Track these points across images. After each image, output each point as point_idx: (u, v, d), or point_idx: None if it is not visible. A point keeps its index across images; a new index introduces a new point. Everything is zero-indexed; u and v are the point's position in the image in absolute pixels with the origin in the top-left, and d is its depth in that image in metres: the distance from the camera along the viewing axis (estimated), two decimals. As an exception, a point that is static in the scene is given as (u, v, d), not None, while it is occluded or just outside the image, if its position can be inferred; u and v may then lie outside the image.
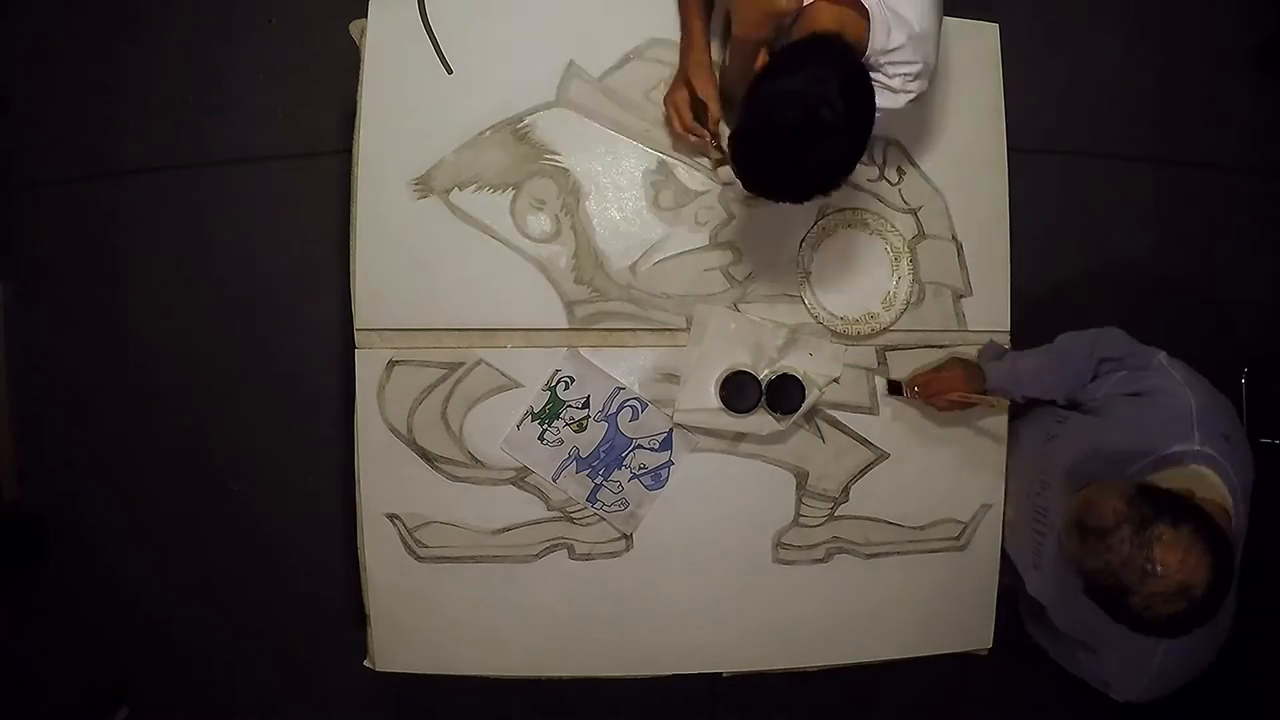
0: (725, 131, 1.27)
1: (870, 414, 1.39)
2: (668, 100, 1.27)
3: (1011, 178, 1.40)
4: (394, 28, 1.31)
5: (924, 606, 1.42)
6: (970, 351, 1.39)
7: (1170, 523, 0.88)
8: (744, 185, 1.04)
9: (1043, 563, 1.24)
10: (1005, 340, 1.41)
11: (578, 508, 1.35)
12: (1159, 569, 0.86)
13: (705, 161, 1.33)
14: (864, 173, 1.38)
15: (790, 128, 0.95)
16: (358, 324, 1.31)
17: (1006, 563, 1.41)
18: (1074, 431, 1.22)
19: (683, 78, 1.25)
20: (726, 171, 1.31)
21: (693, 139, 1.27)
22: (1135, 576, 0.88)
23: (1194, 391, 1.09)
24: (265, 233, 2.00)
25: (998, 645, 1.44)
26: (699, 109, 1.25)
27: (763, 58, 1.02)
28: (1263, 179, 2.16)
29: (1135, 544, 0.88)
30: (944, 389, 1.30)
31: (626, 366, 1.35)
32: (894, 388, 1.37)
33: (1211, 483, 1.01)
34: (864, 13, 1.01)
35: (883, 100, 1.05)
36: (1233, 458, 1.03)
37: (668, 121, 1.28)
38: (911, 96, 1.11)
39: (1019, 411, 1.39)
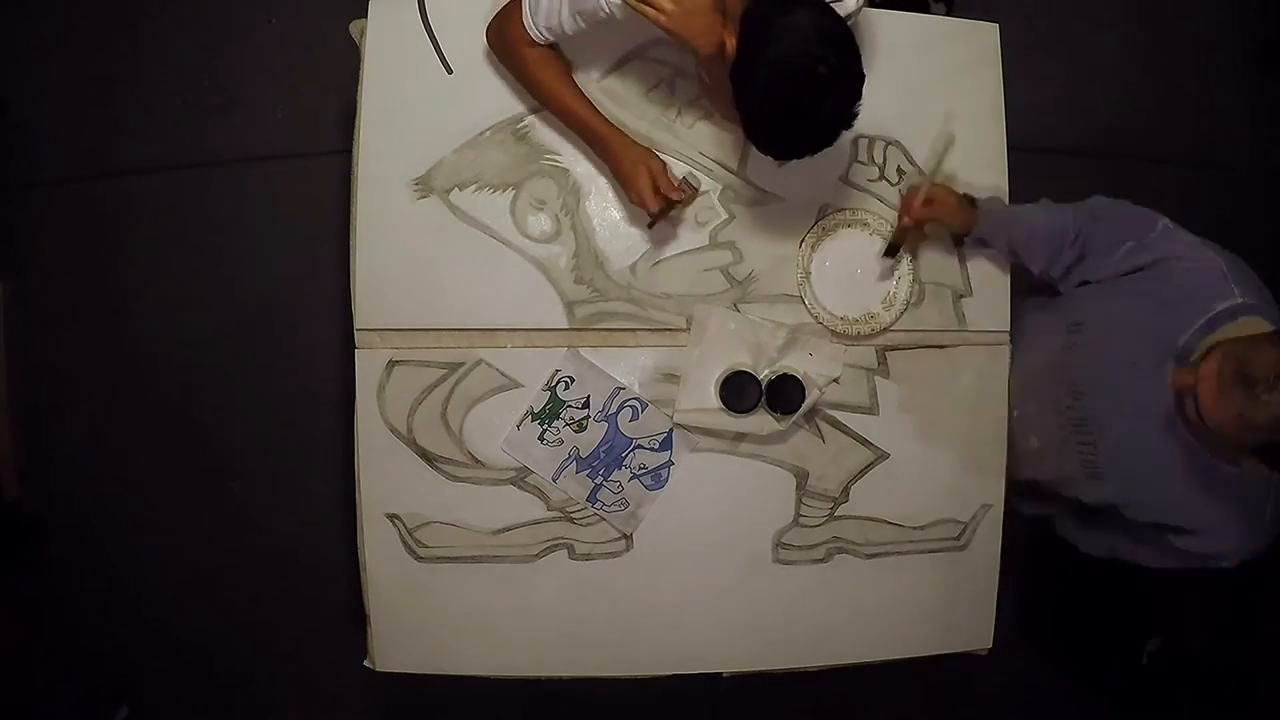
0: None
1: (870, 414, 1.39)
2: (635, 199, 1.22)
3: (1011, 178, 1.40)
4: (394, 28, 1.31)
5: (924, 606, 1.42)
6: (971, 350, 1.39)
7: None
8: (775, 158, 1.03)
9: (1102, 469, 1.19)
10: (1005, 340, 1.41)
11: (578, 508, 1.35)
12: None
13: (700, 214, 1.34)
14: (864, 173, 1.38)
15: (799, 102, 0.94)
16: (358, 324, 1.31)
17: (1031, 498, 1.39)
18: (1098, 329, 1.18)
19: (631, 172, 1.20)
20: (699, 200, 1.32)
21: (672, 210, 1.25)
22: None
23: (1212, 249, 1.09)
24: (265, 233, 2.00)
25: (998, 645, 1.44)
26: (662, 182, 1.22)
27: (730, 43, 0.99)
28: (1263, 179, 2.16)
29: None
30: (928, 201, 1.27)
31: (626, 366, 1.35)
32: (892, 249, 1.33)
33: (1265, 328, 1.01)
34: None
35: (840, 9, 1.04)
36: (1272, 302, 1.04)
37: (649, 207, 1.22)
38: None
39: (1021, 344, 1.37)
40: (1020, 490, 1.42)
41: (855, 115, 0.99)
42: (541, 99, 1.24)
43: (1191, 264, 1.09)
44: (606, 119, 1.24)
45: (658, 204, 1.21)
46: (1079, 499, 1.28)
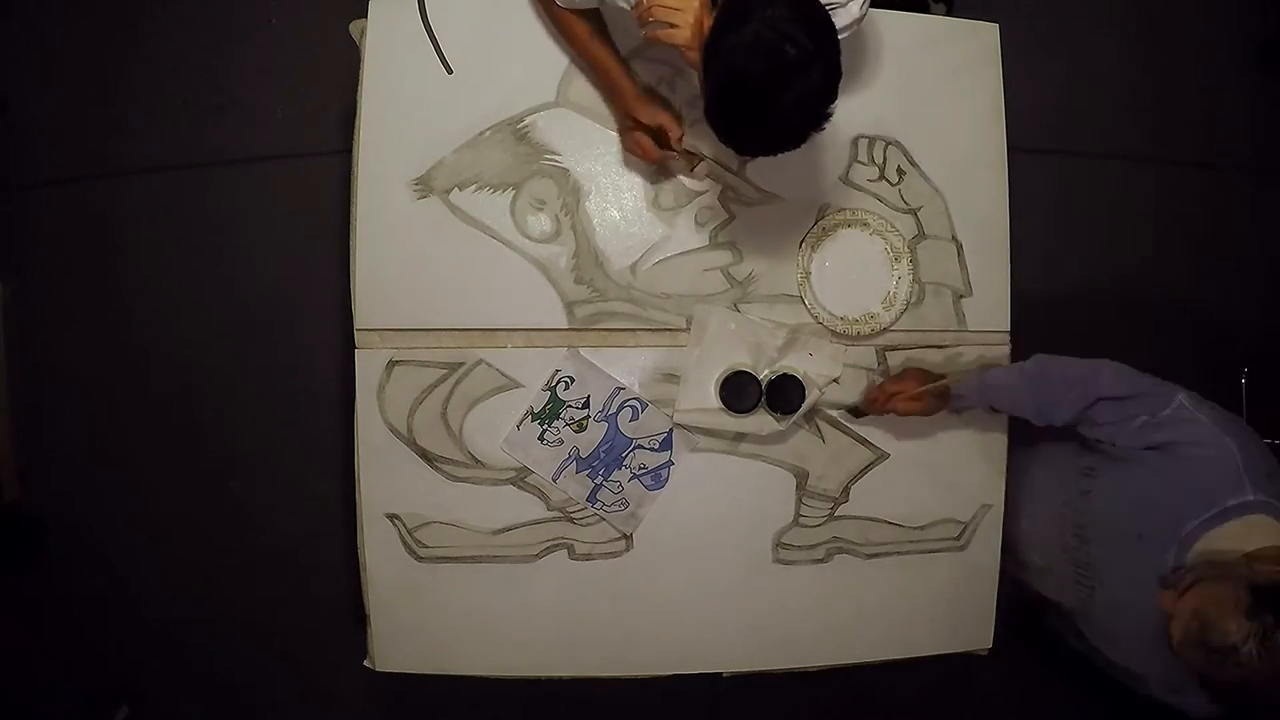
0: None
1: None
2: (626, 145, 1.27)
3: (1011, 178, 1.40)
4: (394, 28, 1.31)
5: (924, 606, 1.42)
6: (971, 350, 1.39)
7: None
8: (737, 151, 1.01)
9: (1094, 614, 1.21)
10: (1005, 340, 1.41)
11: (578, 508, 1.35)
12: None
13: (688, 181, 1.34)
14: (864, 173, 1.38)
15: (761, 77, 0.91)
16: (358, 324, 1.31)
17: (1023, 582, 1.40)
18: (1109, 486, 1.17)
19: (628, 119, 1.25)
20: (702, 168, 1.32)
21: (671, 160, 1.27)
22: (1268, 686, 0.87)
23: (1230, 436, 1.05)
24: (265, 233, 2.00)
25: (998, 645, 1.44)
26: (658, 136, 1.24)
27: (706, 20, 0.97)
28: (1263, 179, 2.16)
29: (1264, 656, 0.87)
30: (899, 389, 1.29)
31: (626, 366, 1.35)
32: (856, 412, 1.37)
33: (1273, 528, 1.00)
34: None
35: (840, 19, 1.02)
36: None
37: (638, 156, 1.27)
38: (868, 1, 1.08)
39: (1034, 457, 1.36)
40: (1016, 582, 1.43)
41: (825, 116, 0.96)
42: (567, 47, 1.29)
43: (1205, 452, 1.06)
44: (627, 71, 1.24)
45: (658, 156, 1.24)
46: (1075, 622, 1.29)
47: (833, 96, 0.95)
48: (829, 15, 0.97)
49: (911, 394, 1.29)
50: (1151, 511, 1.09)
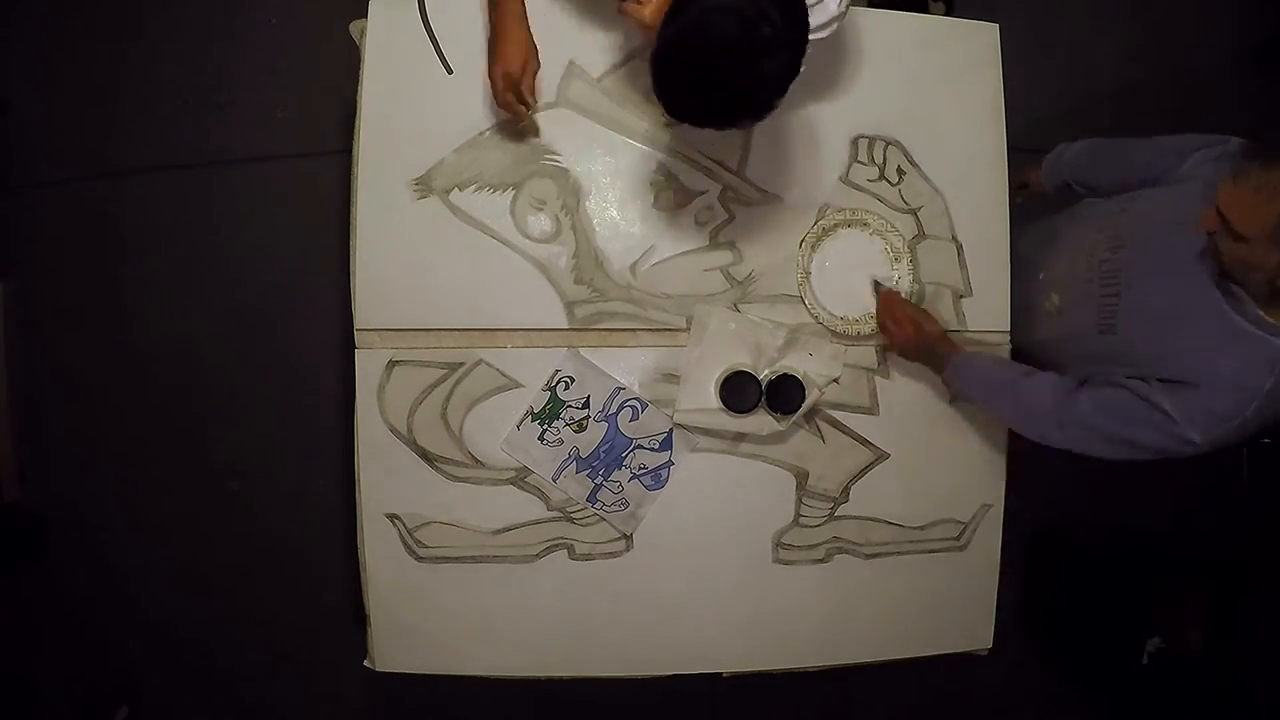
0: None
1: (870, 414, 1.39)
2: (493, 81, 1.19)
3: (1011, 178, 1.40)
4: (394, 28, 1.31)
5: (924, 606, 1.42)
6: (971, 350, 1.39)
7: None
8: (667, 110, 0.97)
9: (1117, 324, 1.20)
10: (1005, 340, 1.41)
11: (578, 508, 1.35)
12: None
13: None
14: (864, 173, 1.38)
15: (729, 42, 0.88)
16: (358, 324, 1.31)
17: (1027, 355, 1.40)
18: (1152, 199, 1.21)
19: (504, 56, 1.16)
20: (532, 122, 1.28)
21: (512, 107, 1.21)
22: None
23: None
24: (265, 233, 2.00)
25: (998, 645, 1.44)
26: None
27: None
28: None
29: None
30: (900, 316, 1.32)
31: (626, 366, 1.35)
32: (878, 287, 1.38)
33: None
34: None
35: (817, 16, 1.02)
36: None
37: (496, 93, 1.20)
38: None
39: (1067, 216, 1.39)
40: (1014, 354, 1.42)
41: (770, 107, 0.94)
42: None
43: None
44: (524, 12, 1.20)
45: (505, 96, 1.18)
46: (1075, 358, 1.28)
47: (784, 90, 0.94)
48: (805, 9, 0.95)
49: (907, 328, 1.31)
50: (1192, 204, 1.09)
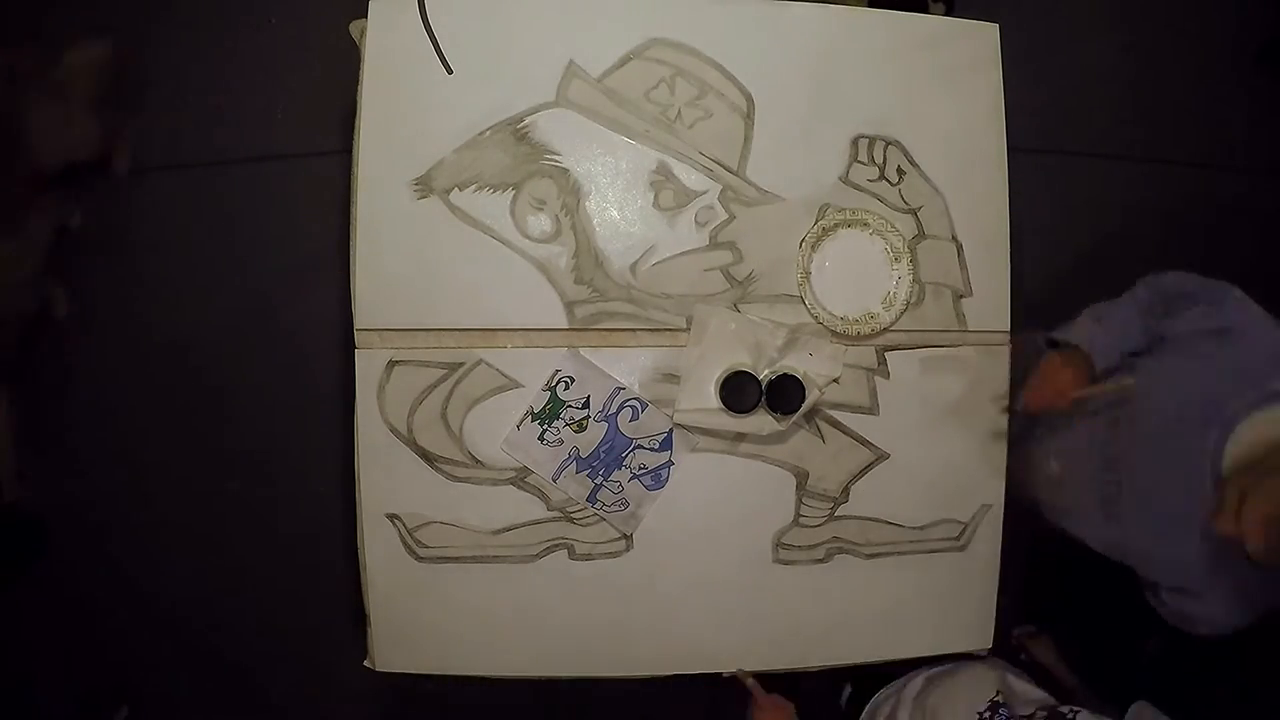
0: None
1: (870, 414, 1.39)
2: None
3: (1011, 178, 1.40)
4: (394, 28, 1.31)
5: (924, 606, 1.42)
6: (971, 350, 1.39)
7: None
8: None
9: (1119, 513, 1.17)
10: (1005, 340, 1.40)
11: (578, 508, 1.35)
12: None
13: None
14: (864, 173, 1.38)
15: None
16: (358, 324, 1.31)
17: (1034, 506, 1.38)
18: (1153, 372, 1.15)
19: None
20: None
21: None
22: None
23: None
24: (265, 233, 2.00)
25: (998, 645, 1.44)
26: None
27: None
28: (1263, 179, 2.16)
29: None
30: (1059, 388, 1.21)
31: (626, 366, 1.35)
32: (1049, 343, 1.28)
33: None
34: None
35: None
36: None
37: None
38: None
39: None
40: (1022, 507, 1.41)
41: None
42: None
43: (1259, 337, 1.07)
44: None
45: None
46: (1083, 540, 1.25)
47: None
48: None
49: (1080, 394, 1.20)
50: (1196, 390, 1.07)
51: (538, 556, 1.35)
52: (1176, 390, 1.11)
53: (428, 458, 1.32)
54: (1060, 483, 1.32)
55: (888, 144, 1.38)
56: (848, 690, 1.47)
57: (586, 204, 1.33)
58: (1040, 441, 1.37)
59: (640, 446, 1.35)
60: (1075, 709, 1.10)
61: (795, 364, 1.35)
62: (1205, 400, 1.06)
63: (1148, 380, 1.15)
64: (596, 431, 1.34)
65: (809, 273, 1.37)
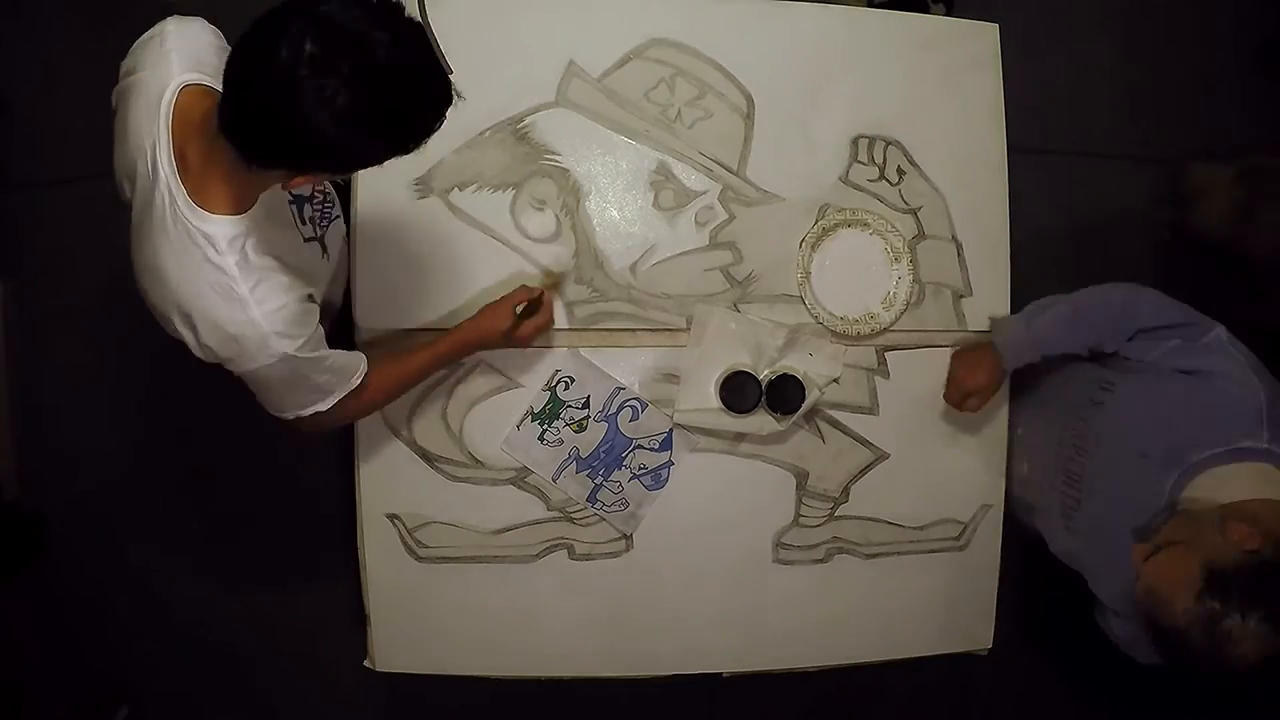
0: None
1: (870, 414, 1.39)
2: (519, 344, 1.23)
3: (1011, 178, 1.40)
4: (394, 28, 1.31)
5: (924, 606, 1.42)
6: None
7: (1240, 616, 0.87)
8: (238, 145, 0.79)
9: (1075, 527, 1.19)
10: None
11: (578, 508, 1.35)
12: (1235, 660, 0.87)
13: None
14: (864, 173, 1.38)
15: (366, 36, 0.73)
16: (358, 324, 1.31)
17: (1015, 500, 1.40)
18: (1125, 399, 1.15)
19: (494, 329, 1.19)
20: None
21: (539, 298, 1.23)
22: (1209, 665, 0.89)
23: (1262, 381, 1.05)
24: (265, 233, 2.00)
25: (998, 645, 1.44)
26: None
27: None
28: (1262, 179, 2.16)
29: (1205, 641, 0.88)
30: (971, 388, 1.28)
31: (626, 366, 1.35)
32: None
33: (1277, 483, 0.98)
34: None
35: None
36: None
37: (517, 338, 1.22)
38: None
39: (1050, 365, 1.33)
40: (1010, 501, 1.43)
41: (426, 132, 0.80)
42: (402, 387, 1.20)
43: (1232, 388, 1.05)
44: (439, 338, 1.21)
45: (511, 319, 1.20)
46: (1047, 542, 1.29)
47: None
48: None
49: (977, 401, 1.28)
50: (1163, 431, 1.07)
51: (538, 556, 1.35)
52: (1144, 423, 1.11)
53: (428, 458, 1.32)
54: (1029, 483, 1.35)
55: (888, 144, 1.38)
56: None
57: (586, 204, 1.33)
58: (1019, 439, 1.39)
59: (640, 446, 1.35)
60: None
61: (795, 364, 1.35)
62: (1170, 441, 1.06)
63: (1121, 401, 1.16)
64: (596, 431, 1.34)
65: (809, 273, 1.37)
